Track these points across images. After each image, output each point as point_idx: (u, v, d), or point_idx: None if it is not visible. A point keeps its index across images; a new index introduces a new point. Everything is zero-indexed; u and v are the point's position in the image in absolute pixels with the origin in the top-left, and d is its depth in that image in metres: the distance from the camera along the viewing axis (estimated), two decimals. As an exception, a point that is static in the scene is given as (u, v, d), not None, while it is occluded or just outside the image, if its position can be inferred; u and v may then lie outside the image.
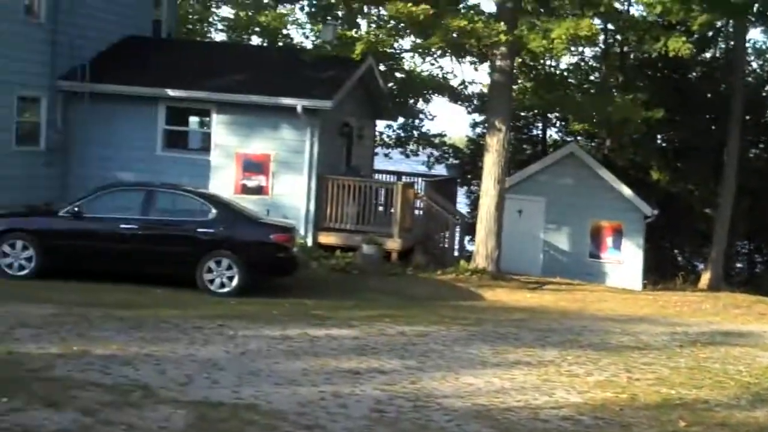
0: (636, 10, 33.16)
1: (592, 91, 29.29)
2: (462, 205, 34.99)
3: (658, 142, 34.93)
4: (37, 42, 21.44)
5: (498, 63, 22.90)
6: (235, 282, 16.61)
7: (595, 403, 10.43)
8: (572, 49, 27.97)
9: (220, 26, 37.26)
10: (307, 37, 37.36)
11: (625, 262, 26.43)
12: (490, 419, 9.31)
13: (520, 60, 25.39)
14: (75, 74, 22.12)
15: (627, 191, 26.51)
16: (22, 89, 21.06)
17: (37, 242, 16.42)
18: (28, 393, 8.56)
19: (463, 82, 35.59)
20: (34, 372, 9.46)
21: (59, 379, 9.26)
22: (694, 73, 35.53)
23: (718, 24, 31.29)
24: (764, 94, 36.57)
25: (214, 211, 16.97)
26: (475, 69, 34.22)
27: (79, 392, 8.76)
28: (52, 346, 10.78)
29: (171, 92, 22.18)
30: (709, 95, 34.37)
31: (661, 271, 31.77)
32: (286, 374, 10.55)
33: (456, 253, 24.59)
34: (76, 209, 16.69)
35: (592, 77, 34.26)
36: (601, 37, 31.91)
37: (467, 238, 27.76)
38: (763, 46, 37.96)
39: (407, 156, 38.40)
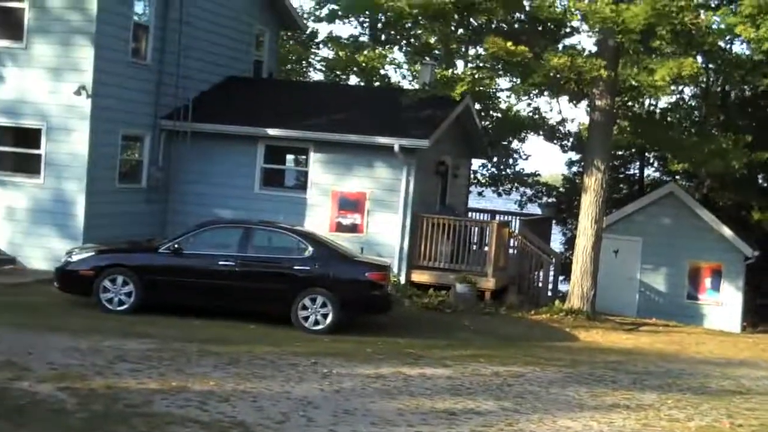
0: (740, 48, 32.60)
1: (692, 130, 28.84)
2: (556, 244, 34.68)
3: (760, 182, 34.15)
4: (143, 83, 22.02)
5: (597, 102, 22.73)
6: (329, 319, 16.70)
7: (696, 449, 10.23)
8: (672, 88, 27.65)
9: (318, 66, 37.80)
10: (404, 77, 37.65)
11: (724, 303, 25.89)
12: (587, 464, 9.19)
13: (618, 99, 25.15)
14: (177, 114, 22.62)
15: (727, 232, 26.01)
16: (126, 128, 21.60)
17: (137, 278, 16.75)
18: (129, 428, 8.72)
19: (562, 121, 35.40)
20: (134, 407, 9.65)
21: (158, 415, 9.43)
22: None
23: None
24: None
25: (310, 248, 17.12)
26: (575, 105, 34.00)
27: (178, 429, 8.91)
28: (151, 381, 11.00)
29: (270, 131, 22.50)
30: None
31: (761, 313, 30.96)
32: (381, 414, 10.57)
33: (550, 293, 24.34)
34: (175, 245, 16.99)
35: (692, 117, 33.71)
36: (702, 76, 31.46)
37: (561, 277, 27.49)
38: None
39: (500, 195, 38.26)
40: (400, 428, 10.02)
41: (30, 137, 20.73)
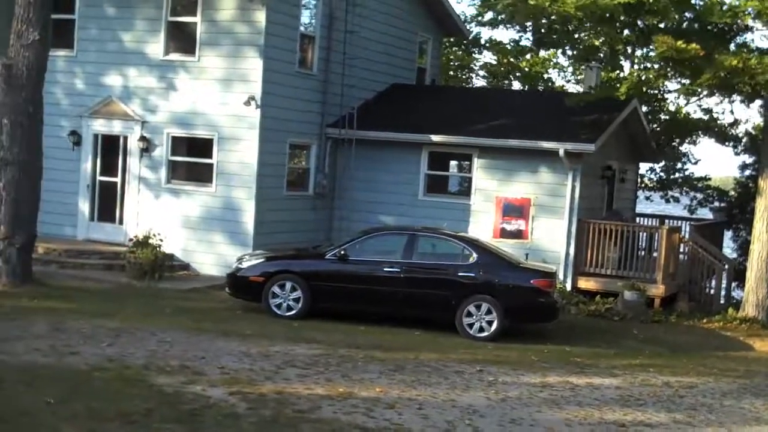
0: None
1: None
2: (728, 250, 33.51)
3: None
4: (309, 92, 22.43)
5: (772, 102, 21.87)
6: (494, 326, 16.60)
7: None
8: None
9: (481, 72, 37.69)
10: (568, 81, 37.18)
11: None
12: (766, 482, 8.81)
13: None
14: (342, 122, 22.95)
15: None
16: (293, 137, 22.05)
17: (305, 284, 17.05)
18: (299, 434, 8.86)
19: (734, 122, 34.24)
20: (302, 413, 9.80)
21: (326, 421, 9.54)
22: None
23: None
24: None
25: (474, 255, 17.06)
26: (747, 106, 32.85)
27: (345, 435, 8.98)
28: (319, 387, 11.14)
29: (434, 137, 22.56)
30: None
31: None
32: (548, 424, 10.41)
33: (722, 301, 23.53)
34: (341, 252, 17.22)
35: None
36: None
37: (734, 284, 26.54)
38: None
39: (668, 201, 37.26)
40: (568, 439, 9.85)
41: (202, 147, 21.44)
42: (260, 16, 20.67)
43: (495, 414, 10.67)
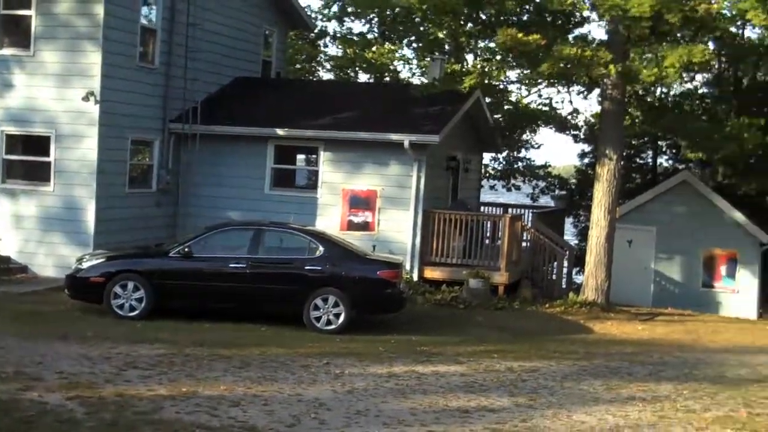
0: (753, 33, 32.40)
1: (704, 117, 28.60)
2: (569, 236, 34.53)
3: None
4: (151, 86, 21.97)
5: (609, 91, 22.57)
6: (341, 319, 16.63)
7: (712, 441, 10.10)
8: (683, 76, 27.42)
9: (327, 65, 37.71)
10: (414, 73, 37.54)
11: (740, 290, 25.69)
12: (602, 460, 9.07)
13: (630, 88, 24.95)
14: (186, 116, 22.57)
15: (742, 218, 25.81)
16: (135, 133, 21.57)
17: (148, 283, 16.70)
18: (138, 436, 8.67)
19: (574, 111, 35.29)
20: (143, 414, 9.60)
21: (168, 422, 9.37)
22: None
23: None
24: None
25: (321, 248, 17.04)
26: (585, 98, 33.90)
27: (187, 435, 8.84)
28: (161, 387, 10.95)
29: (280, 131, 22.43)
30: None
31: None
32: (394, 414, 10.49)
33: (564, 286, 24.21)
34: (186, 249, 16.93)
35: (704, 104, 33.47)
36: (714, 62, 31.23)
37: (575, 269, 27.35)
38: None
39: (509, 190, 38.14)
40: (413, 428, 9.93)
41: (39, 145, 20.74)
42: (99, 9, 20.12)
43: (341, 406, 10.69)
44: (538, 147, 37.54)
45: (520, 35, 20.66)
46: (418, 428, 9.95)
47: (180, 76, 22.58)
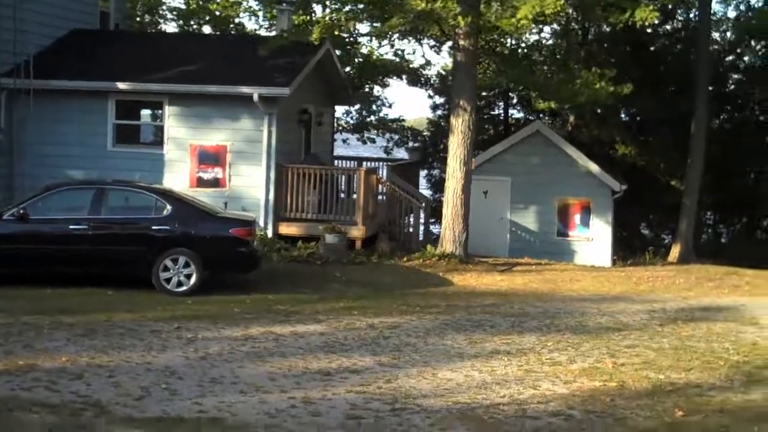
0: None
1: (554, 68, 28.63)
2: (424, 188, 34.36)
3: (622, 116, 34.44)
4: (-25, 38, 20.46)
5: (461, 42, 22.18)
6: (193, 280, 15.80)
7: (583, 394, 9.81)
8: (533, 27, 27.26)
9: (170, 16, 36.25)
10: (260, 26, 36.50)
11: (594, 239, 25.90)
12: (475, 420, 8.63)
13: (482, 39, 24.64)
14: (18, 71, 21.13)
15: (594, 167, 25.96)
16: (-41, 88, 20.09)
17: (-21, 248, 15.51)
18: (-36, 419, 7.75)
19: (426, 63, 34.98)
20: (-27, 393, 8.66)
21: (2, 400, 8.44)
22: (657, 45, 35.07)
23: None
24: (726, 63, 36.20)
25: (168, 207, 16.13)
26: (437, 52, 33.57)
27: (23, 415, 7.95)
28: (-5, 362, 9.99)
29: (121, 85, 21.27)
30: (672, 67, 33.85)
31: (630, 246, 31.31)
32: (251, 380, 9.83)
33: (421, 238, 23.92)
34: (21, 211, 15.77)
35: (554, 55, 33.63)
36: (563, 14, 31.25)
37: (431, 221, 27.12)
38: (723, 16, 37.70)
39: (364, 143, 37.71)
40: (272, 395, 9.29)
41: None
42: None
43: (194, 374, 9.97)
44: (390, 105, 37.13)
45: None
46: (278, 395, 9.32)
47: (9, 27, 21.04)
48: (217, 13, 33.08)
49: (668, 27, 35.50)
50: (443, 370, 10.81)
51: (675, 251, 29.42)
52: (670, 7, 32.19)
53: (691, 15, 35.15)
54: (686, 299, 18.22)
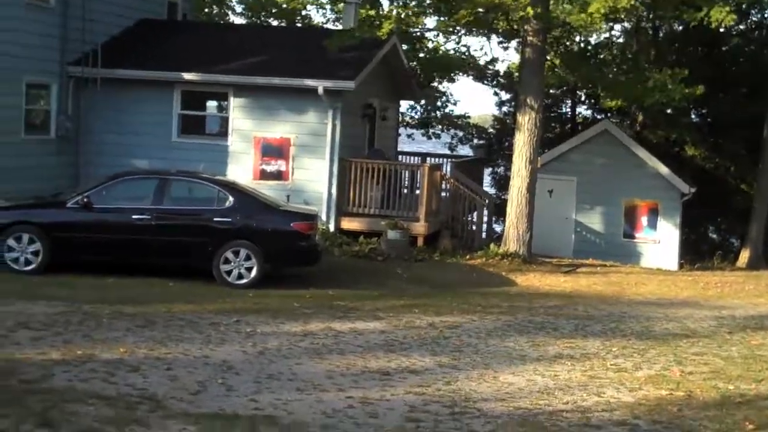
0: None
1: (624, 67, 28.14)
2: (487, 186, 34.03)
3: (693, 117, 33.76)
4: (45, 26, 20.54)
5: (529, 39, 21.84)
6: (253, 273, 15.73)
7: (649, 403, 9.47)
8: (603, 25, 26.86)
9: (238, 9, 36.35)
10: (328, 19, 36.40)
11: (661, 241, 25.43)
12: (537, 427, 8.34)
13: (550, 36, 24.28)
14: (86, 59, 21.26)
15: (663, 169, 25.47)
16: (30, 76, 20.18)
17: (45, 235, 15.54)
18: (21, 408, 7.64)
19: (492, 60, 34.64)
20: (30, 383, 8.56)
21: (57, 391, 8.35)
22: (729, 46, 34.32)
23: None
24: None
25: (231, 198, 16.09)
26: (504, 48, 33.23)
27: (78, 407, 7.84)
28: (54, 351, 9.92)
29: (187, 76, 21.30)
30: (745, 68, 33.08)
31: (697, 250, 30.71)
32: (308, 377, 9.65)
33: (484, 236, 23.64)
34: (85, 199, 15.81)
35: (624, 53, 33.07)
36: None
37: (495, 219, 26.82)
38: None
39: (429, 138, 37.49)
40: (329, 394, 9.10)
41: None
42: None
43: (252, 369, 9.81)
44: (455, 103, 36.82)
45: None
46: (336, 393, 9.13)
47: (78, 15, 21.16)
48: (284, 5, 33.02)
49: (741, 27, 34.70)
50: (504, 373, 10.54)
51: (744, 256, 28.78)
52: (743, 6, 31.46)
53: (766, 15, 34.33)
54: (756, 306, 17.76)
